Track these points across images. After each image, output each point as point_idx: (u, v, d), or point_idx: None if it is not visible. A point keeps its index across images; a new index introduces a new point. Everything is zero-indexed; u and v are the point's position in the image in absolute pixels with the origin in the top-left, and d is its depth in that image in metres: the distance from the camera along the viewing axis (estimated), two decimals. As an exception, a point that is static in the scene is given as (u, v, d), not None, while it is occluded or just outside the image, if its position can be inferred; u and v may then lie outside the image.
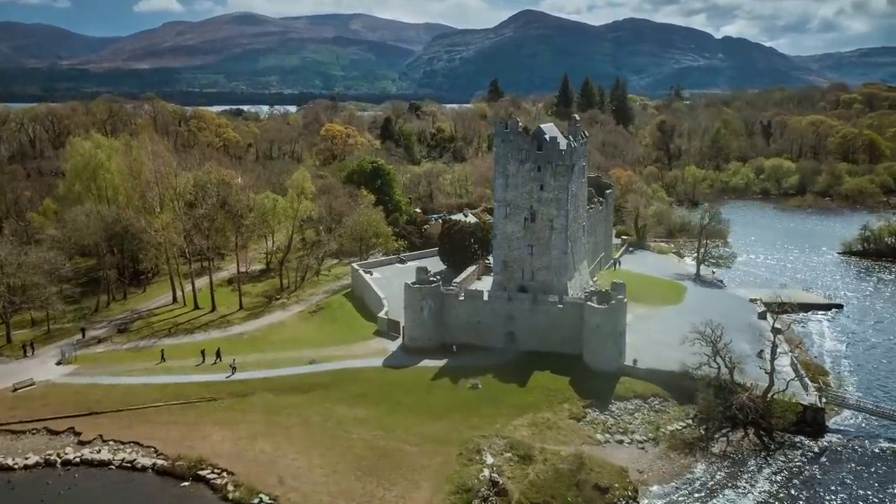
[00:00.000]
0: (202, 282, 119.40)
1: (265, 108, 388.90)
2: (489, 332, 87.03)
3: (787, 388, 72.75)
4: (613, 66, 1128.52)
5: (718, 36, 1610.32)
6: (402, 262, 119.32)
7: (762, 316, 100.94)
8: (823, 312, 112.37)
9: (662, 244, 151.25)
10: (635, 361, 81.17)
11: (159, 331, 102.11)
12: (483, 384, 78.36)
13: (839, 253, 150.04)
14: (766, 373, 74.03)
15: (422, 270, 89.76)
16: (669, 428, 72.81)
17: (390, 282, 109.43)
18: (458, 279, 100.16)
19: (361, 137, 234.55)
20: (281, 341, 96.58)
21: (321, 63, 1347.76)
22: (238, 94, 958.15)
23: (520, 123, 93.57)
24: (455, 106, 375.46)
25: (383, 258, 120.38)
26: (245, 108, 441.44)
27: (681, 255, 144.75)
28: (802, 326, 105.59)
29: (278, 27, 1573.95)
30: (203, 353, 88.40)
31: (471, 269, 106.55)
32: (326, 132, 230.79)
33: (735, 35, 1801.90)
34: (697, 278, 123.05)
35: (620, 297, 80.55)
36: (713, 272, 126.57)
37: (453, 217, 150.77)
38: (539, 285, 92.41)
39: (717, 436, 71.85)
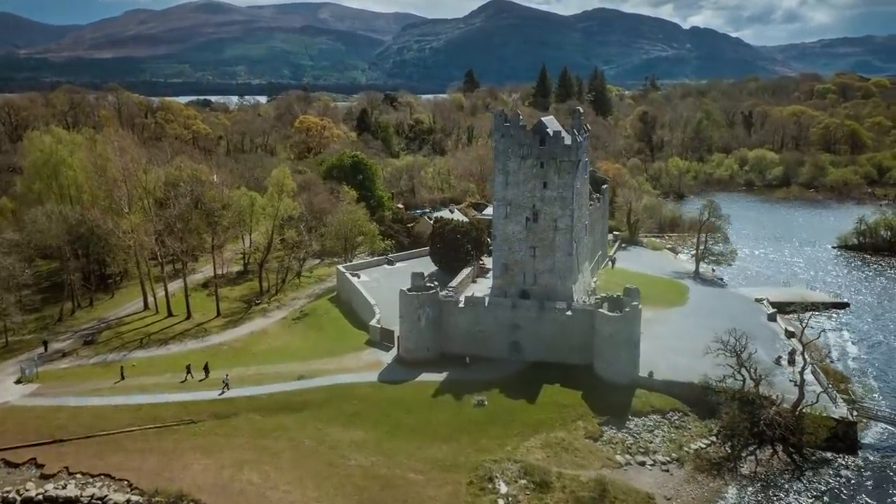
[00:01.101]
0: (175, 286, 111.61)
1: (235, 98, 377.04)
2: (492, 341, 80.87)
3: (817, 400, 67.65)
4: (583, 56, 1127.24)
5: (686, 26, 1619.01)
6: (391, 263, 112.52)
7: (772, 318, 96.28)
8: (830, 312, 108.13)
9: (655, 240, 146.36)
10: (651, 374, 75.62)
11: (130, 342, 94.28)
12: (489, 400, 72.23)
13: (834, 247, 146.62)
14: (795, 385, 68.88)
15: (418, 276, 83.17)
16: (693, 446, 67.41)
17: (379, 285, 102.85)
18: (453, 283, 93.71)
19: (337, 130, 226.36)
20: (264, 353, 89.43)
21: (289, 53, 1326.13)
22: (204, 85, 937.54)
23: (521, 117, 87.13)
24: (430, 97, 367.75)
25: (370, 259, 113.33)
26: (213, 98, 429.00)
27: (675, 252, 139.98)
28: (811, 328, 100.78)
29: (244, 16, 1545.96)
30: (189, 368, 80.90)
31: (465, 271, 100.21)
32: (301, 124, 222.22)
33: (702, 25, 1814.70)
34: (697, 276, 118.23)
35: (635, 303, 74.88)
36: (713, 270, 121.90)
37: (438, 213, 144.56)
38: (542, 290, 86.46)
39: (744, 454, 66.64)
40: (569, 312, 78.52)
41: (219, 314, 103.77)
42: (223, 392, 76.17)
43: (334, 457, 65.13)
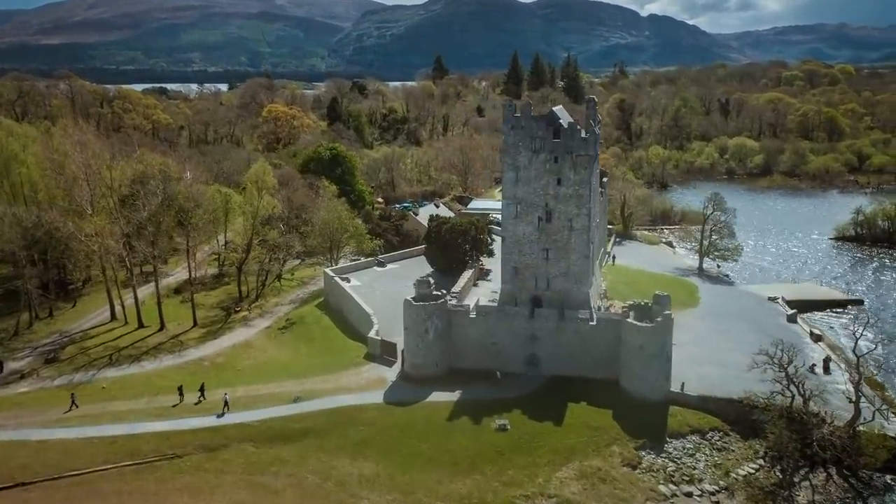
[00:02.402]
0: (144, 292, 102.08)
1: (194, 86, 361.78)
2: (506, 355, 73.62)
3: (873, 417, 61.92)
4: (545, 43, 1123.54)
5: (644, 14, 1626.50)
6: (381, 265, 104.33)
7: (792, 319, 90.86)
8: (845, 310, 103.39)
9: (649, 234, 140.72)
10: (683, 386, 69.28)
11: (98, 359, 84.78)
12: (511, 423, 64.97)
13: (832, 238, 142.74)
14: (850, 401, 63.07)
15: (423, 283, 75.39)
16: (741, 472, 61.17)
17: (372, 290, 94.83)
18: (456, 288, 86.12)
19: (308, 119, 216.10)
20: (251, 369, 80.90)
21: (246, 39, 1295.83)
22: (158, 72, 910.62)
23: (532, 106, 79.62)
24: (398, 84, 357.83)
25: (360, 261, 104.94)
26: (168, 86, 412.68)
27: (672, 246, 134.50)
28: (831, 327, 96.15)
29: (199, 1, 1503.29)
30: (181, 390, 72.02)
31: (467, 274, 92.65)
32: (269, 113, 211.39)
33: (659, 13, 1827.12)
34: (702, 273, 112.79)
35: (667, 312, 68.29)
36: (718, 266, 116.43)
37: (422, 208, 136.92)
38: (556, 295, 79.35)
39: (796, 479, 60.64)
40: (592, 322, 71.60)
41: (196, 324, 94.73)
42: (223, 414, 67.95)
43: (344, 496, 57.33)
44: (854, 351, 64.22)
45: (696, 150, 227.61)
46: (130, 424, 67.37)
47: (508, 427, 64.30)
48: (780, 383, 63.33)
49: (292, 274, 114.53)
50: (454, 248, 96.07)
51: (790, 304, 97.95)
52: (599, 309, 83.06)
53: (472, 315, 74.19)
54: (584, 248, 78.67)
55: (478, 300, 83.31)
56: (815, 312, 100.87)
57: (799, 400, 63.16)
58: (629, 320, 69.05)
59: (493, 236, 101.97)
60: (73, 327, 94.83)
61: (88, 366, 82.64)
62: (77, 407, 70.57)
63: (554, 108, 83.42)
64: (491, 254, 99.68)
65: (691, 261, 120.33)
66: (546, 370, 72.81)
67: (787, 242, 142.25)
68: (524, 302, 79.93)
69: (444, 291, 76.31)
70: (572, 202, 77.79)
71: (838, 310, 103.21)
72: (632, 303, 72.10)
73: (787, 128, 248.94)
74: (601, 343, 71.16)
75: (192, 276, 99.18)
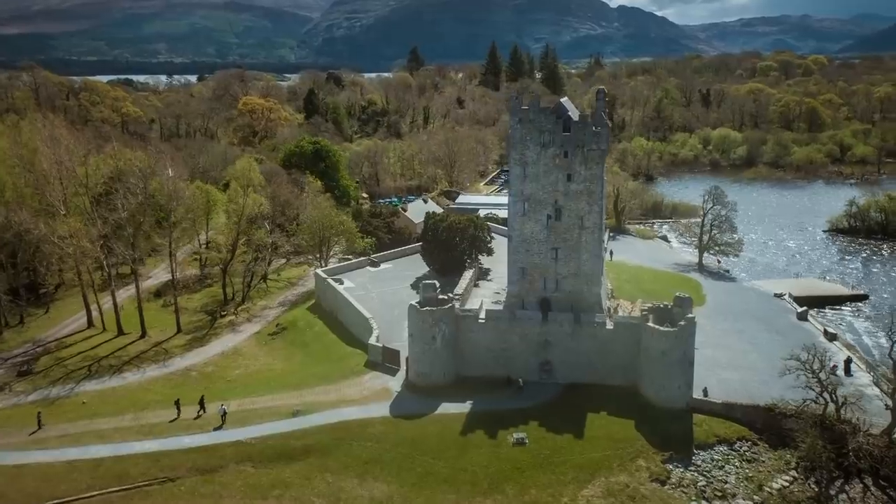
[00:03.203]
0: (123, 295, 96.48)
1: (163, 78, 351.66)
2: (518, 361, 69.55)
3: (907, 424, 59.07)
4: (515, 35, 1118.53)
5: (613, 5, 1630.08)
6: (374, 265, 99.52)
7: (802, 317, 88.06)
8: (850, 305, 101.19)
9: (643, 228, 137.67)
10: (706, 391, 65.91)
11: (75, 370, 79.20)
12: (529, 437, 60.95)
13: (826, 231, 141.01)
14: (887, 408, 60.08)
15: (429, 287, 70.90)
16: (774, 485, 57.80)
17: (367, 292, 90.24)
18: (458, 290, 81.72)
19: (284, 112, 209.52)
20: (243, 380, 75.92)
21: (213, 30, 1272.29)
22: (122, 63, 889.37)
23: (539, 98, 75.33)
24: (373, 75, 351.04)
25: (352, 261, 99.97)
26: (134, 78, 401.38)
27: (667, 240, 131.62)
28: (839, 324, 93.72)
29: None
30: (178, 403, 66.88)
31: (468, 275, 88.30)
32: (245, 106, 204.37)
33: (628, 4, 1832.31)
34: (702, 269, 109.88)
35: (690, 315, 64.72)
36: (719, 261, 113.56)
37: (411, 203, 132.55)
38: (566, 297, 75.49)
39: (832, 491, 57.55)
40: (610, 326, 67.81)
41: (179, 330, 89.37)
42: (221, 426, 63.29)
43: (356, 522, 52.97)
44: (890, 354, 61.04)
45: (680, 142, 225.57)
46: (116, 445, 62.22)
47: (527, 441, 60.31)
48: (814, 390, 60.14)
49: (278, 274, 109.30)
50: (452, 247, 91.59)
51: (796, 300, 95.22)
52: (609, 310, 79.61)
53: (482, 320, 69.94)
54: (596, 246, 74.87)
55: (482, 303, 79.10)
56: (821, 308, 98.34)
57: (832, 407, 60.09)
58: (649, 324, 65.34)
59: (492, 234, 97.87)
60: (47, 335, 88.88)
61: (66, 378, 77.06)
62: (41, 427, 65.02)
63: (561, 101, 79.23)
64: (490, 252, 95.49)
65: (690, 256, 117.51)
66: (560, 377, 68.93)
67: (781, 235, 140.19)
68: (532, 304, 76.07)
69: (451, 295, 71.89)
70: (583, 199, 73.85)
71: (843, 305, 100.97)
72: (651, 305, 68.45)
73: (768, 118, 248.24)
74: (619, 348, 67.45)
75: (175, 278, 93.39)
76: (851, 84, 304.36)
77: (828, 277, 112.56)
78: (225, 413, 65.25)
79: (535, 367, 69.34)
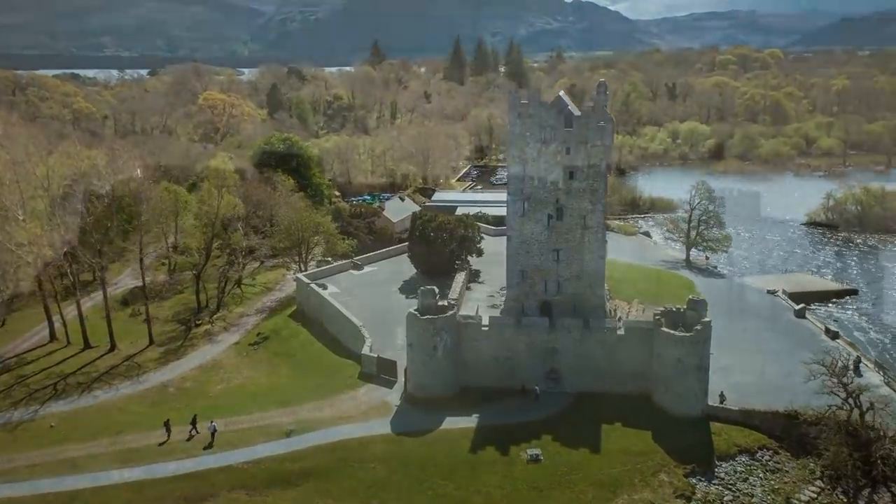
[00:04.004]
0: (87, 305, 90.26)
1: (115, 72, 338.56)
2: (523, 370, 65.81)
3: (935, 429, 57.09)
4: (471, 28, 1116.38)
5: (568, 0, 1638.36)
6: (358, 267, 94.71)
7: (800, 314, 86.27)
8: (841, 300, 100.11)
9: (624, 224, 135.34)
10: (722, 398, 63.14)
11: (39, 390, 73.05)
12: (544, 452, 57.31)
13: (804, 224, 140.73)
14: (910, 411, 58.05)
15: (428, 293, 66.69)
16: (802, 497, 55.31)
17: (353, 297, 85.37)
18: (452, 294, 77.56)
19: (247, 107, 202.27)
20: (226, 396, 70.70)
21: (162, 23, 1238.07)
22: (67, 57, 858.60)
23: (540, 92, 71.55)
24: (334, 69, 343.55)
25: (334, 264, 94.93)
26: (81, 72, 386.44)
27: (649, 236, 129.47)
28: (835, 320, 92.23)
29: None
30: (167, 424, 61.45)
31: (460, 278, 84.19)
32: (206, 101, 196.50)
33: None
34: (690, 265, 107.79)
35: (706, 319, 61.79)
36: (707, 257, 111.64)
37: (387, 201, 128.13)
38: (568, 300, 72.27)
39: (860, 501, 55.25)
40: (621, 332, 64.56)
41: (152, 342, 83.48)
42: (211, 445, 58.35)
43: (367, 554, 48.68)
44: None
45: (649, 136, 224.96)
46: (93, 474, 56.74)
47: (541, 457, 56.67)
48: (838, 395, 57.75)
49: (253, 279, 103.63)
50: (441, 249, 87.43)
51: (789, 296, 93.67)
52: (609, 312, 76.50)
53: (485, 328, 66.03)
54: (600, 247, 71.77)
55: (477, 308, 75.27)
56: (813, 305, 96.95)
57: (856, 412, 57.80)
58: (663, 329, 62.28)
59: (482, 234, 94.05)
60: (6, 351, 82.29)
61: (29, 399, 70.89)
62: None
63: (560, 94, 75.69)
64: (480, 253, 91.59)
65: (675, 252, 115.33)
66: (568, 386, 65.47)
67: (760, 229, 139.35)
68: (532, 308, 72.62)
69: (451, 302, 67.78)
70: (586, 197, 70.57)
71: (835, 301, 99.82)
72: (663, 309, 65.25)
73: (733, 112, 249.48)
74: (630, 354, 64.30)
75: (145, 285, 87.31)
76: (808, 78, 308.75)
77: (815, 272, 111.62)
78: (215, 431, 60.33)
79: (542, 376, 65.70)
